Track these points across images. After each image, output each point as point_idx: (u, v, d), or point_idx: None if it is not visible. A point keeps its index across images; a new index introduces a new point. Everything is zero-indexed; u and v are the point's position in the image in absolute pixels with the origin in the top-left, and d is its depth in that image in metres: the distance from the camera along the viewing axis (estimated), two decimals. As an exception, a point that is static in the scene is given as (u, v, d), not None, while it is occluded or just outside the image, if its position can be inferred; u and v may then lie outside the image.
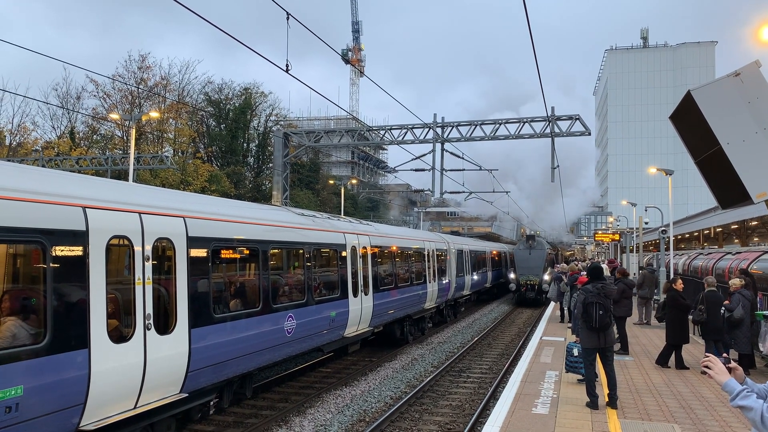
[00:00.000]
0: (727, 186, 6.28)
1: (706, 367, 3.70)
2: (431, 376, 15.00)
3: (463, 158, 29.84)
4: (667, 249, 27.00)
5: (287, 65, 11.88)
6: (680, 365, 12.69)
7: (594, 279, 9.80)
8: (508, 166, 54.36)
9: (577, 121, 26.63)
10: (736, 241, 42.33)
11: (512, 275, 34.88)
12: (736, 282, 12.79)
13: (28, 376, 5.86)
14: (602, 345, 9.48)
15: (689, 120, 6.33)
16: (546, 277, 32.98)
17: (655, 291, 22.91)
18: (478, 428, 9.67)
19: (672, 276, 20.75)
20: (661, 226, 35.65)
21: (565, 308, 19.77)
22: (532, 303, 34.38)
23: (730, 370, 3.70)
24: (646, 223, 40.93)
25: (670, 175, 26.67)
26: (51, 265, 6.25)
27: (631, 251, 41.39)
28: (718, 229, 40.27)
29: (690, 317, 13.15)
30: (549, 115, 25.58)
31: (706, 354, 3.80)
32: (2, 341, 5.82)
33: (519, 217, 55.93)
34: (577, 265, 22.41)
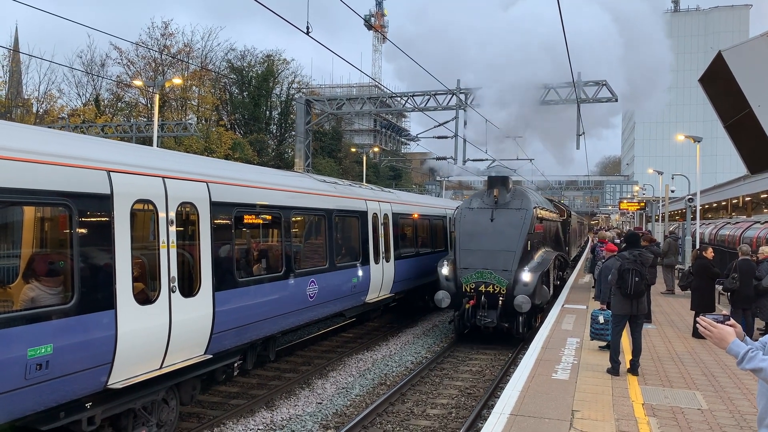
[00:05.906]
0: (756, 150, 6.13)
1: (705, 329, 3.44)
2: (451, 342, 15.11)
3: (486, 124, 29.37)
4: (694, 218, 26.60)
5: (308, 27, 11.73)
6: (698, 334, 12.52)
7: (631, 246, 9.75)
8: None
9: (604, 86, 26.05)
10: (766, 210, 41.51)
11: (444, 269, 15.38)
12: (765, 250, 12.59)
13: (57, 335, 6.01)
14: (634, 312, 9.46)
15: (719, 82, 6.15)
16: (526, 276, 14.38)
17: (679, 259, 22.67)
18: (498, 393, 9.74)
19: (702, 245, 20.44)
20: (687, 195, 35.06)
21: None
22: (493, 337, 15.25)
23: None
24: (672, 192, 40.21)
25: (699, 142, 26.10)
26: (77, 228, 6.35)
27: (656, 220, 40.85)
28: (747, 198, 39.53)
29: (719, 286, 12.97)
30: (575, 80, 25.03)
31: (702, 316, 3.51)
32: (31, 302, 5.98)
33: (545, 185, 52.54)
34: (605, 233, 21.86)
